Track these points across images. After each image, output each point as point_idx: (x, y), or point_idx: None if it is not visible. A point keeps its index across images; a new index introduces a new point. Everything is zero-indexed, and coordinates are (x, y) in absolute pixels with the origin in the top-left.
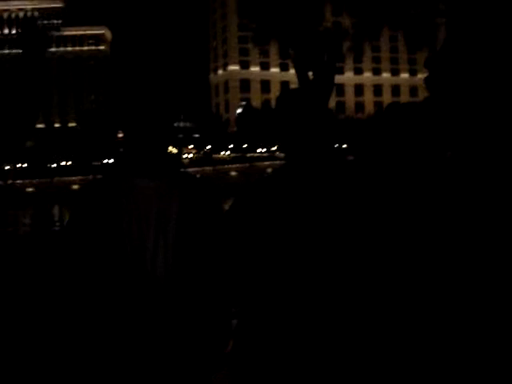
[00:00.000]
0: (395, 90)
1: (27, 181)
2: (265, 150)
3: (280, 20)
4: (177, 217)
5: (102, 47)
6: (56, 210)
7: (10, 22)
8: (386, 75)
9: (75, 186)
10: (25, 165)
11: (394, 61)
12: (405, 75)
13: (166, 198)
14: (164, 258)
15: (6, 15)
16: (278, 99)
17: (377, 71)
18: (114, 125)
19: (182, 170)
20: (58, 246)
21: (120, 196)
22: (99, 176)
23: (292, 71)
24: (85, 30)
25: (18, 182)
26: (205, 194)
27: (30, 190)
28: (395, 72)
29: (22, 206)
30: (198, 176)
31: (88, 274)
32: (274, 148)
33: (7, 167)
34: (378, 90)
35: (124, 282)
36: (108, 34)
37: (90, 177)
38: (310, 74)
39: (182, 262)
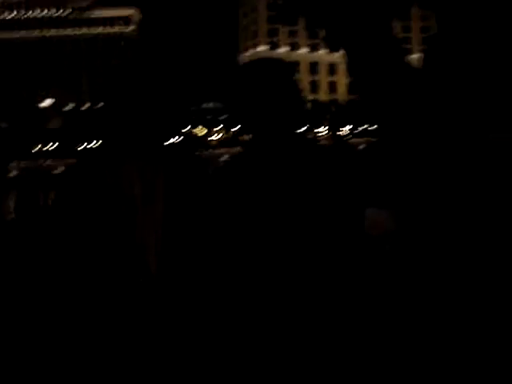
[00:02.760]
0: None
1: (56, 162)
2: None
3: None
4: (163, 194)
5: (130, 28)
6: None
7: (41, 4)
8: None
9: None
10: (54, 145)
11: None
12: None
13: (149, 176)
14: (154, 235)
15: None
16: (243, 67)
17: None
18: (141, 105)
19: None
20: (46, 227)
21: (105, 176)
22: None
23: (321, 51)
24: (113, 12)
25: (47, 163)
26: (190, 171)
27: (59, 170)
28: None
29: (51, 187)
30: (223, 157)
31: (79, 254)
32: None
33: (36, 149)
34: None
35: (115, 261)
36: (137, 14)
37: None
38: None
39: (171, 240)
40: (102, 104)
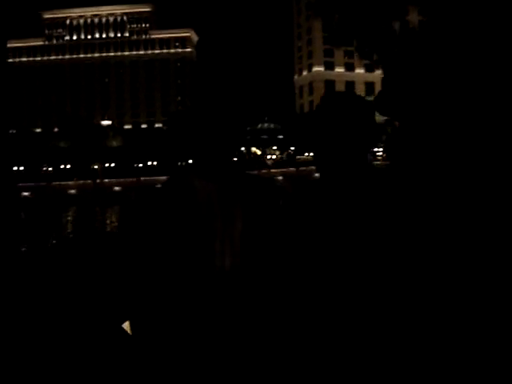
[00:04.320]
0: None
1: (114, 180)
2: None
3: (359, 19)
4: (242, 218)
5: (188, 49)
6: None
7: (101, 27)
8: None
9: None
10: (112, 164)
11: None
12: None
13: (228, 199)
14: (232, 260)
15: (96, 20)
16: (321, 100)
17: None
18: (199, 126)
19: (249, 172)
20: (120, 245)
21: (181, 198)
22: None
23: (377, 72)
24: (171, 33)
25: (106, 180)
26: (268, 195)
27: (117, 188)
28: None
29: (109, 204)
30: (272, 177)
31: (154, 275)
32: None
33: (95, 166)
34: None
35: (192, 282)
36: (194, 36)
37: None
38: None
39: (248, 262)
40: (161, 124)
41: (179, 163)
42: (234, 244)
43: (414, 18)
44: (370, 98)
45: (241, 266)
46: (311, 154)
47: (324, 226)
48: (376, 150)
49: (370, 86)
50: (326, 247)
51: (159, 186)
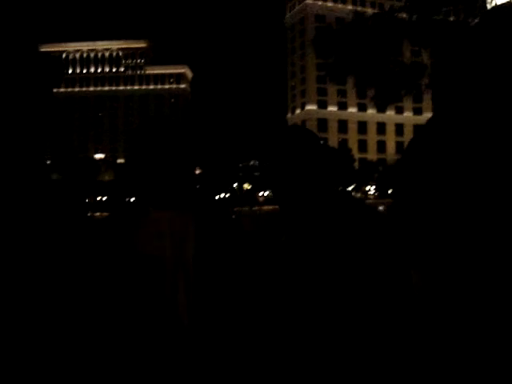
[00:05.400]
0: None
1: (105, 213)
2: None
3: (357, 55)
4: (194, 247)
5: (182, 85)
6: None
7: (96, 62)
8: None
9: None
10: (104, 198)
11: None
12: None
13: (180, 227)
14: (184, 286)
15: (92, 55)
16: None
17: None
18: (192, 160)
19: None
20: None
21: (134, 228)
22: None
23: (370, 111)
24: (166, 69)
25: (97, 214)
26: (222, 225)
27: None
28: None
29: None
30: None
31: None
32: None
33: (87, 200)
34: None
35: (144, 317)
36: (189, 72)
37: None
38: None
39: (203, 290)
40: (148, 158)
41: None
42: (187, 268)
43: (407, 54)
44: (362, 137)
45: (195, 297)
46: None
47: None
48: (368, 188)
49: (362, 124)
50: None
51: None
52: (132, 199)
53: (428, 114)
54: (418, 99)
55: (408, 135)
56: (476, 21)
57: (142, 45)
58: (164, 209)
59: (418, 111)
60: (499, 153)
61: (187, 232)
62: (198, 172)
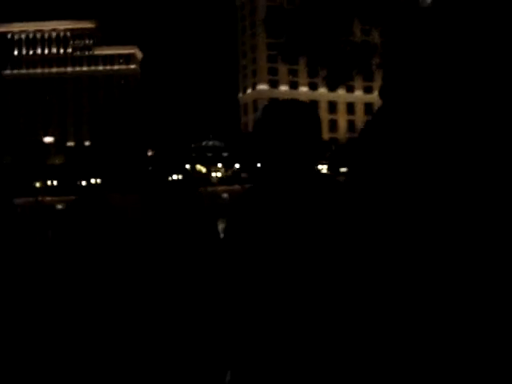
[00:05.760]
0: None
1: (56, 198)
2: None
3: (308, 35)
4: (144, 228)
5: (132, 66)
6: None
7: (43, 43)
8: None
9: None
10: (55, 182)
11: None
12: None
13: (131, 209)
14: (151, 266)
15: (39, 36)
16: (263, 109)
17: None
18: (144, 142)
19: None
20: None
21: (94, 212)
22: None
23: (321, 90)
24: (115, 50)
25: (48, 198)
26: (176, 205)
27: (60, 206)
28: None
29: (51, 221)
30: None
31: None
32: None
33: (37, 184)
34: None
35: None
36: (138, 53)
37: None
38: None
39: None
40: (101, 141)
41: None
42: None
43: (358, 33)
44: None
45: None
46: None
47: (263, 234)
48: (320, 167)
49: (313, 103)
50: (264, 255)
51: (76, 201)
52: (83, 183)
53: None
54: (368, 78)
55: (359, 114)
56: (425, 1)
57: (89, 25)
58: (118, 191)
59: (368, 90)
60: (447, 130)
61: (137, 213)
62: (150, 154)
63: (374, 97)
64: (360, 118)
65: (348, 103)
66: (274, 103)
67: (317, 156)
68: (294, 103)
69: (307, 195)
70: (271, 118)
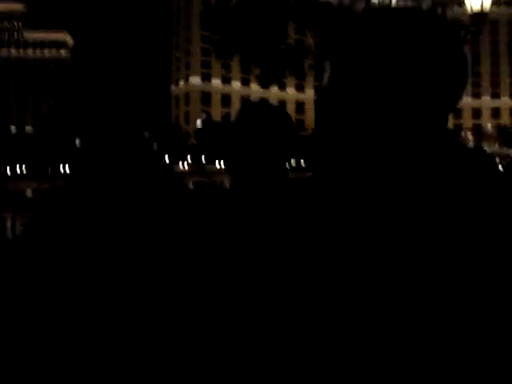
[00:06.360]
0: None
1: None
2: (223, 163)
3: (243, 35)
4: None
5: (62, 52)
6: (8, 216)
7: None
8: None
9: (29, 193)
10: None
11: None
12: None
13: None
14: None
15: None
16: (239, 111)
17: None
18: (71, 131)
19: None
20: (14, 253)
21: (77, 202)
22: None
23: (253, 86)
24: (46, 34)
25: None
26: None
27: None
28: None
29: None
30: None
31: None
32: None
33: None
34: None
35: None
36: (69, 39)
37: (45, 184)
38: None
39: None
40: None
41: (49, 169)
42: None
43: (292, 34)
44: None
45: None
46: (185, 165)
47: (234, 235)
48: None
49: (245, 99)
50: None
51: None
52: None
53: (310, 90)
54: (300, 77)
55: (290, 111)
56: (358, 4)
57: (18, 8)
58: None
59: (300, 87)
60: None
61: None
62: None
63: (305, 95)
64: (291, 114)
65: (280, 100)
66: (249, 104)
67: (286, 156)
68: (268, 105)
69: (275, 195)
70: (250, 119)
